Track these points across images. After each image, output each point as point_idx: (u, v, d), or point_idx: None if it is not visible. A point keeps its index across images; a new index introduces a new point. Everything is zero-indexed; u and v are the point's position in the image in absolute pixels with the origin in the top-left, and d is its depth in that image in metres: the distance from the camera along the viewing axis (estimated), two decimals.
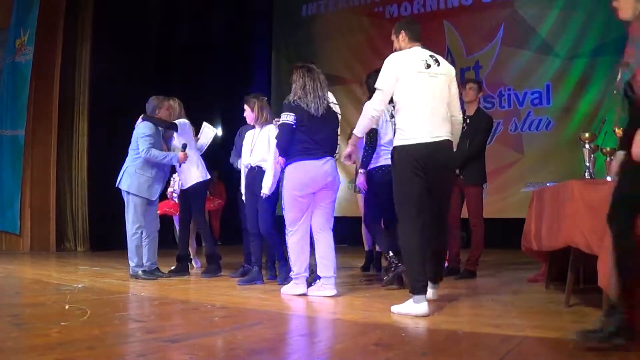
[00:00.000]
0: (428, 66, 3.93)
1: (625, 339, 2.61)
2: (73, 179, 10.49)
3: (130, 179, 5.77)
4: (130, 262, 5.81)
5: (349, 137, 4.37)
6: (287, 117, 4.54)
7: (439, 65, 3.98)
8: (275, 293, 4.74)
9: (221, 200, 9.70)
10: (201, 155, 6.29)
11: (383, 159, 5.06)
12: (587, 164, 4.34)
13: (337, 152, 4.95)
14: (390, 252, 4.95)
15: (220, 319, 3.62)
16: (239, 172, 5.91)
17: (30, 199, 9.86)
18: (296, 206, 4.56)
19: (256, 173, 5.44)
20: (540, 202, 4.72)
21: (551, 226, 4.20)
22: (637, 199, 2.73)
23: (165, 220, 7.22)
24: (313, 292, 4.59)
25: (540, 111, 10.33)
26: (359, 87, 11.00)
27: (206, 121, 6.64)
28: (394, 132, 4.10)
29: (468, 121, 5.84)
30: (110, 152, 10.11)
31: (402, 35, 4.15)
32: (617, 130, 3.97)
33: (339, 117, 4.80)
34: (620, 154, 2.91)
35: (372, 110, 4.01)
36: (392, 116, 4.75)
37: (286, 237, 4.68)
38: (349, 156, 4.36)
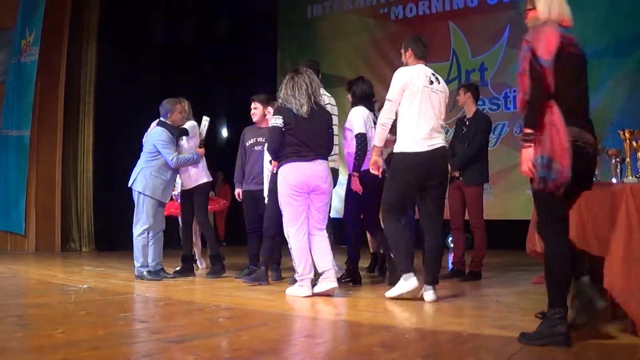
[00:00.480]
0: (431, 82, 4.39)
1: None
2: (78, 179, 10.51)
3: (146, 180, 5.78)
4: (135, 262, 5.81)
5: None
6: (276, 120, 4.62)
7: (439, 83, 4.46)
8: (279, 294, 4.74)
9: (226, 201, 9.69)
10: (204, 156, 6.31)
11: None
12: None
13: (334, 152, 5.06)
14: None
15: (224, 319, 3.62)
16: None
17: (35, 199, 9.87)
18: (293, 206, 4.59)
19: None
20: None
21: None
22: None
23: (171, 221, 7.23)
24: (317, 289, 4.61)
25: None
26: None
27: (211, 122, 6.64)
28: None
29: (467, 123, 5.91)
30: (115, 153, 10.15)
31: (410, 52, 4.59)
32: (622, 131, 3.95)
33: (334, 117, 4.87)
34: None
35: (384, 119, 4.40)
36: (374, 123, 5.05)
37: (287, 238, 4.68)
38: (377, 166, 4.62)
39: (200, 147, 6.11)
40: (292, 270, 4.79)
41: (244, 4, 13.40)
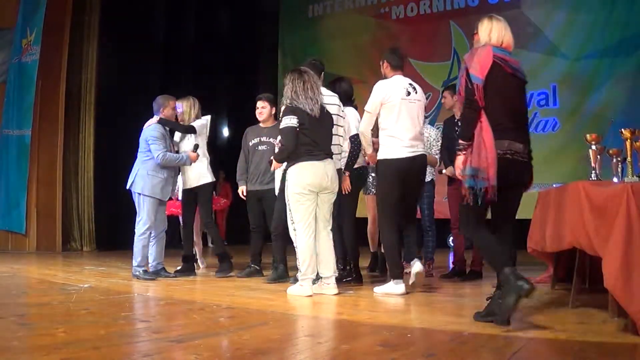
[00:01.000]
0: (408, 93, 4.72)
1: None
2: (79, 178, 10.52)
3: (143, 181, 5.77)
4: (133, 261, 5.80)
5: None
6: (290, 120, 4.57)
7: (416, 92, 4.78)
8: (280, 294, 4.74)
9: (227, 200, 9.70)
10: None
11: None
12: (593, 165, 4.32)
13: (340, 153, 5.15)
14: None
15: (225, 319, 3.62)
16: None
17: (36, 198, 9.88)
18: (304, 205, 4.58)
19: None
20: (546, 203, 4.70)
21: (557, 227, 4.19)
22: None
23: (172, 221, 7.23)
24: (315, 290, 4.64)
25: (546, 112, 10.29)
26: (364, 87, 10.98)
27: (213, 121, 6.64)
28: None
29: (460, 124, 5.87)
30: (116, 152, 10.15)
31: (385, 64, 4.91)
32: (623, 131, 3.95)
33: (334, 118, 4.89)
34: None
35: (364, 129, 4.81)
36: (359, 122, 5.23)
37: (294, 236, 4.68)
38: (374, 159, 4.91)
39: (193, 151, 6.01)
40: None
41: (244, 3, 13.40)
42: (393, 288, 4.59)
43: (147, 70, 11.31)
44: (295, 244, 4.68)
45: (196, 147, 6.02)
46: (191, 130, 6.07)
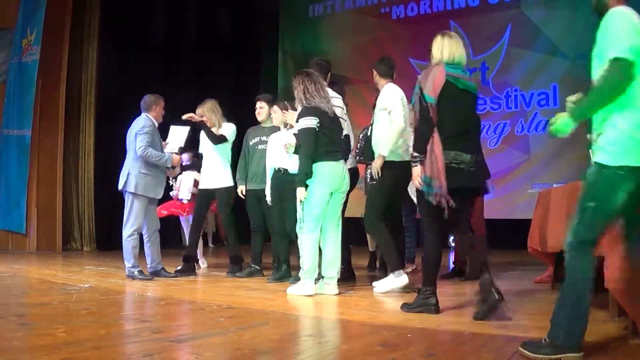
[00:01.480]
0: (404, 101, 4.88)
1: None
2: (79, 178, 10.50)
3: (136, 180, 5.75)
4: (126, 262, 5.79)
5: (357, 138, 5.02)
6: (310, 121, 4.55)
7: (407, 101, 4.85)
8: (280, 293, 4.74)
9: None
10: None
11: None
12: None
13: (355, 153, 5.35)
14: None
15: (226, 319, 3.62)
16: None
17: (36, 198, 9.86)
18: (320, 203, 4.59)
19: (282, 175, 5.45)
20: (547, 203, 4.71)
21: (557, 227, 4.19)
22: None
23: (172, 221, 7.23)
24: (315, 290, 4.65)
25: (547, 112, 10.27)
26: (365, 87, 10.98)
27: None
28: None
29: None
30: (116, 152, 10.05)
31: (374, 72, 5.13)
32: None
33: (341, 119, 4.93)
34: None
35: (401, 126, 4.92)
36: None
37: (303, 235, 4.66)
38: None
39: (178, 153, 6.02)
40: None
41: (244, 3, 13.39)
42: (395, 282, 4.68)
43: (147, 70, 11.30)
44: (298, 242, 4.67)
45: (180, 150, 6.04)
46: (223, 139, 6.10)
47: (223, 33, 13.21)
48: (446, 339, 3.05)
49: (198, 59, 12.40)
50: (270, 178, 5.65)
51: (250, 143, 6.15)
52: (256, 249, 6.15)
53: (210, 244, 11.46)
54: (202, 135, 6.28)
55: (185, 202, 7.03)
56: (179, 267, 6.22)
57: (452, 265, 6.26)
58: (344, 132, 5.23)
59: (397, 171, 4.77)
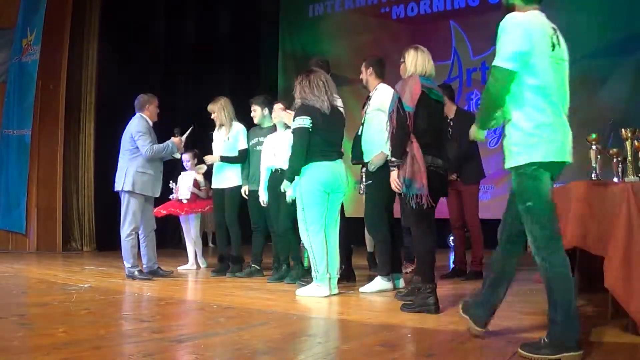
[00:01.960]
0: None
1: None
2: (79, 178, 10.49)
3: (133, 179, 5.75)
4: (125, 263, 5.79)
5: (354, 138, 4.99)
6: (303, 121, 4.55)
7: None
8: (281, 293, 4.75)
9: None
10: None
11: None
12: (594, 165, 4.31)
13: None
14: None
15: (226, 319, 3.62)
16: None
17: (36, 198, 9.86)
18: (319, 203, 4.58)
19: (279, 175, 5.45)
20: None
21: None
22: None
23: (172, 221, 7.23)
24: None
25: None
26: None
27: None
28: None
29: (452, 123, 5.88)
30: (116, 152, 10.07)
31: (371, 70, 5.10)
32: (623, 131, 3.95)
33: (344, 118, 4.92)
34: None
35: None
36: None
37: (308, 237, 4.63)
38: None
39: (176, 136, 6.07)
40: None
41: (244, 3, 13.38)
42: (381, 284, 4.81)
43: (147, 70, 11.29)
44: (307, 245, 4.64)
45: (178, 131, 6.10)
46: (241, 159, 6.15)
47: (223, 33, 13.20)
48: (446, 339, 3.05)
49: (198, 58, 12.40)
50: (267, 179, 5.67)
51: (250, 144, 6.16)
52: (256, 249, 6.16)
53: (211, 244, 11.46)
54: (215, 134, 6.33)
55: (184, 201, 7.03)
56: (214, 268, 6.36)
57: (452, 265, 6.26)
58: None
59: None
